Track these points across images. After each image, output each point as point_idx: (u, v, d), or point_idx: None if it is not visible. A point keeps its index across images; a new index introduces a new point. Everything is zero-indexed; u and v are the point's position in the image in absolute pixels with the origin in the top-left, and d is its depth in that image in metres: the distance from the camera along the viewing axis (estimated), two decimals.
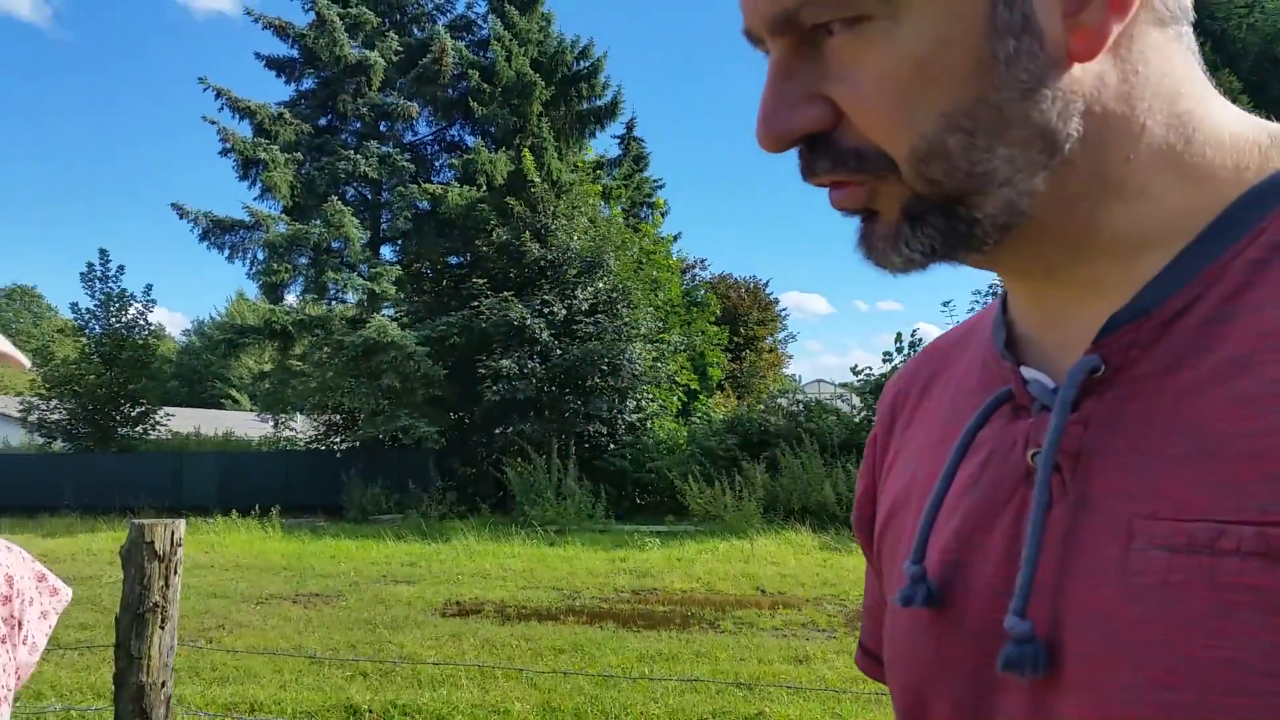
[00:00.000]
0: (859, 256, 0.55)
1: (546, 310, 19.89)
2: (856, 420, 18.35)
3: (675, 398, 22.16)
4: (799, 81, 0.52)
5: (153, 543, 2.69)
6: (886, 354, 18.86)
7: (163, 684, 2.66)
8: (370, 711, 5.30)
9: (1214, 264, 0.49)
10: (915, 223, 0.52)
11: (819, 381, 26.45)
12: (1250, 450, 0.44)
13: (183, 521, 2.84)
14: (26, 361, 0.73)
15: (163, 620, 2.69)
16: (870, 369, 19.04)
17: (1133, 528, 0.47)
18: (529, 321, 19.50)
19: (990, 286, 18.19)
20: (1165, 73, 0.50)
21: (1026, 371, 0.57)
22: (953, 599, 0.57)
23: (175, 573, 2.75)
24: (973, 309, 21.13)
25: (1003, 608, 0.51)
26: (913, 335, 18.60)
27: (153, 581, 2.68)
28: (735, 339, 30.45)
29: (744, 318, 33.20)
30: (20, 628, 0.94)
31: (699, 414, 22.37)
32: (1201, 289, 0.49)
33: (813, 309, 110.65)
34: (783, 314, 36.78)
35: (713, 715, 5.28)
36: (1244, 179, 0.51)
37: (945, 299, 26.96)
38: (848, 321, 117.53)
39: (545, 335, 19.59)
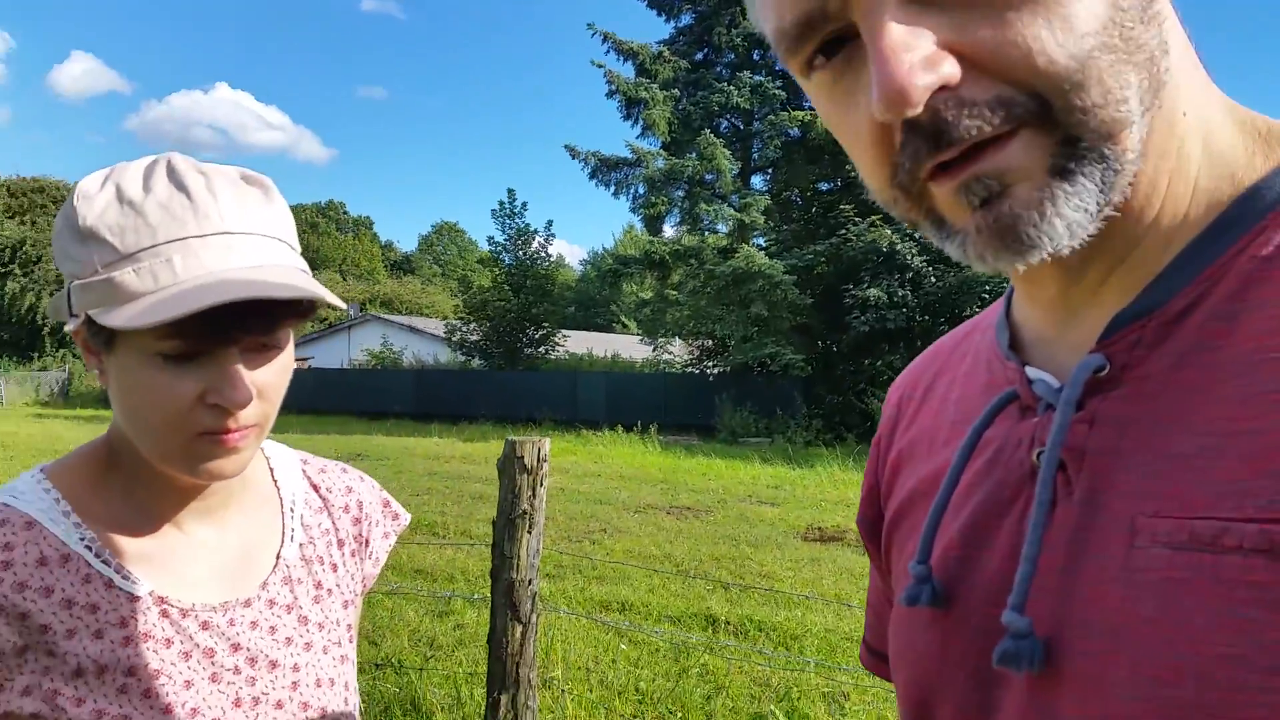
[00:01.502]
0: (983, 254, 0.48)
1: (919, 234, 19.03)
2: None
3: None
4: (924, 35, 0.45)
5: (522, 457, 2.97)
6: None
7: (529, 581, 2.96)
8: (728, 623, 5.52)
9: (1217, 262, 0.48)
10: (1070, 179, 0.46)
11: None
12: (1254, 448, 0.43)
13: (548, 440, 3.10)
14: (340, 303, 0.83)
15: (530, 526, 2.97)
16: None
17: (1136, 525, 0.47)
18: (899, 246, 18.84)
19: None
20: (1187, 49, 0.50)
21: (1031, 372, 0.57)
22: (958, 597, 0.57)
23: (541, 484, 3.02)
24: None
25: (1006, 605, 0.51)
26: None
27: (522, 491, 2.96)
28: None
29: None
30: (367, 544, 1.11)
31: None
32: (1206, 286, 0.48)
33: None
34: None
35: None
36: (1245, 173, 0.50)
37: None
38: None
39: (917, 261, 18.85)
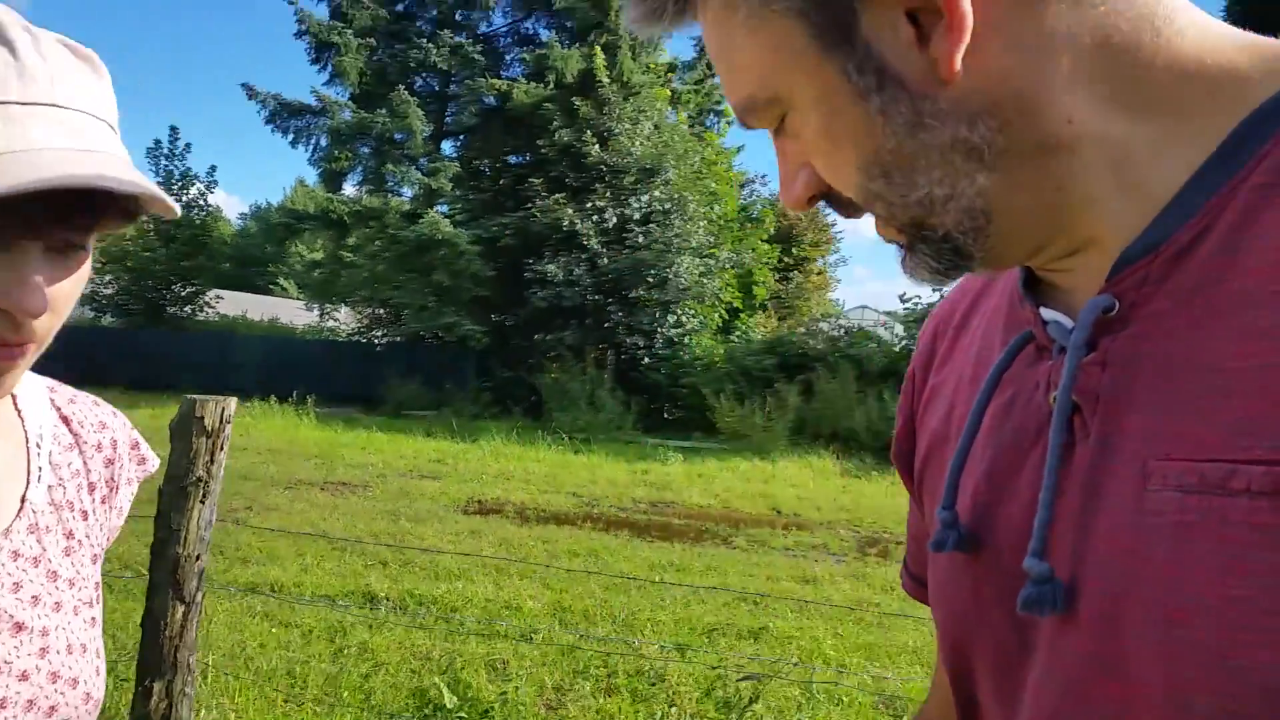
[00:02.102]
0: (912, 277, 0.61)
1: (598, 216, 19.68)
2: (897, 349, 18.07)
3: (718, 314, 21.96)
4: (790, 159, 0.60)
5: (203, 418, 2.70)
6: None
7: (197, 556, 2.81)
8: (388, 599, 5.51)
9: (1219, 193, 0.49)
10: (912, 248, 0.58)
11: (863, 308, 26.04)
12: (1261, 385, 0.44)
13: (234, 400, 2.85)
14: (177, 209, 0.74)
15: (204, 495, 2.77)
16: (919, 297, 18.60)
17: (1148, 469, 0.48)
18: (580, 226, 19.31)
19: None
20: (1083, 29, 0.51)
21: (1046, 313, 0.58)
22: (986, 541, 0.58)
23: (221, 449, 2.79)
24: None
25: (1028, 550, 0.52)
26: None
27: (199, 456, 2.70)
28: (786, 259, 29.94)
29: (799, 239, 32.61)
30: (116, 491, 0.97)
31: (739, 332, 22.11)
32: (1209, 220, 0.49)
33: (865, 233, 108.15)
34: (838, 236, 36.05)
35: (718, 626, 5.40)
36: (1240, 102, 0.50)
37: None
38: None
39: (595, 242, 19.43)
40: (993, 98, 0.52)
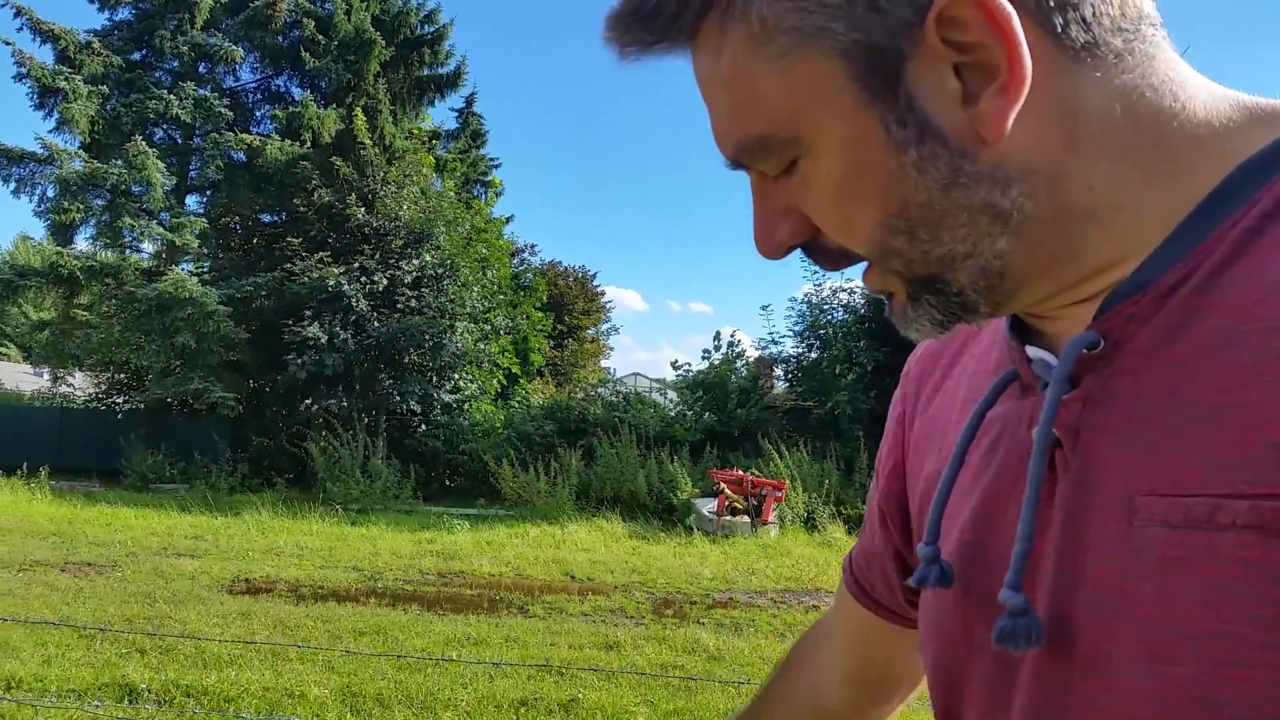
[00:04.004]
0: (901, 330, 0.59)
1: (366, 279, 18.96)
2: (672, 414, 18.72)
3: (495, 380, 21.84)
4: (774, 203, 0.57)
5: None
6: (705, 352, 19.40)
7: None
8: (150, 691, 4.88)
9: (1210, 236, 0.49)
10: (915, 300, 0.56)
11: (635, 375, 26.74)
12: (1241, 421, 0.44)
13: None
14: None
15: None
16: (689, 365, 19.48)
17: (1133, 504, 0.47)
18: (345, 288, 18.49)
19: (805, 295, 18.93)
20: (1115, 96, 0.51)
21: (1031, 351, 0.58)
22: (975, 580, 0.58)
23: None
24: (789, 315, 21.95)
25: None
26: (732, 335, 19.16)
27: None
28: (559, 327, 30.41)
29: (570, 307, 33.18)
30: None
31: (518, 398, 22.11)
32: (1197, 260, 0.49)
33: (628, 305, 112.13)
34: (608, 305, 36.99)
35: (524, 701, 5.15)
36: (1233, 156, 0.51)
37: (763, 303, 27.75)
38: (660, 320, 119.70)
39: (363, 305, 18.67)
40: (1028, 164, 0.51)
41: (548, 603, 8.16)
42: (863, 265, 0.58)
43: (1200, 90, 0.53)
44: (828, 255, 0.58)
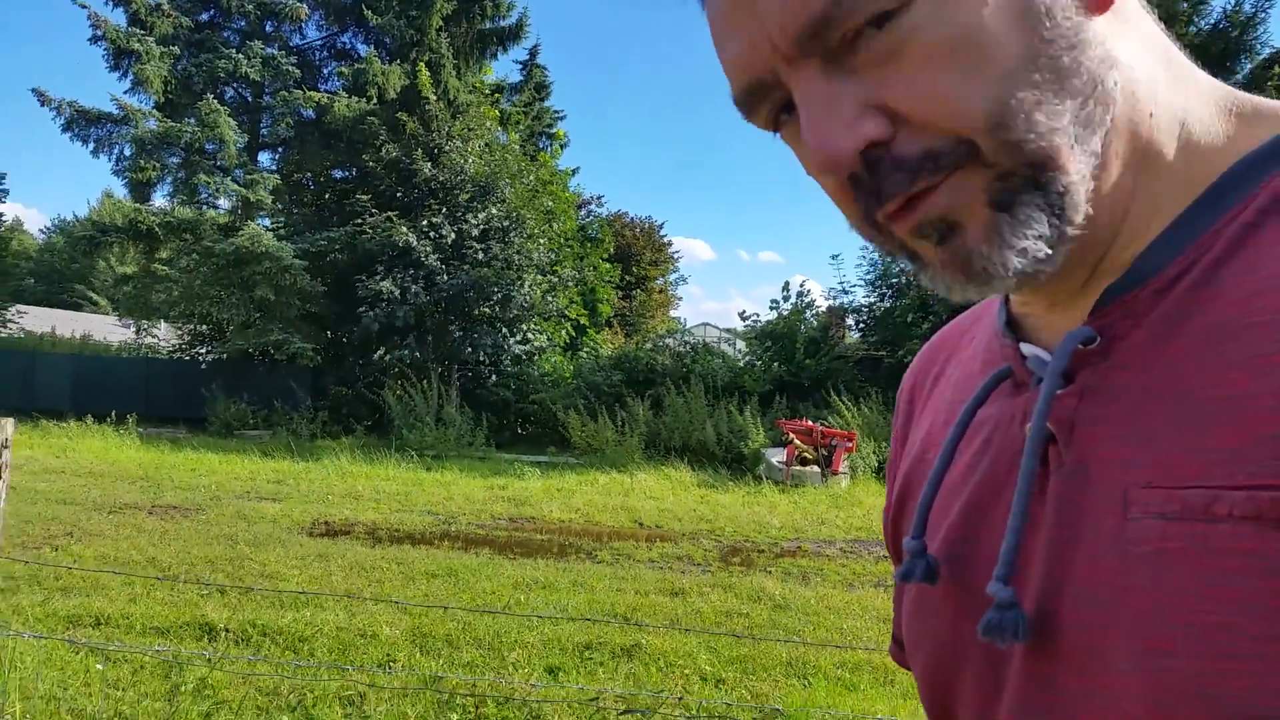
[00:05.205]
0: (951, 286, 0.51)
1: (435, 234, 19.14)
2: (740, 364, 18.62)
3: (564, 331, 21.92)
4: (844, 100, 0.48)
5: None
6: (773, 302, 19.17)
7: None
8: (227, 630, 5.00)
9: (1208, 231, 0.48)
10: (1011, 210, 0.48)
11: (705, 325, 26.63)
12: (1238, 414, 0.44)
13: (11, 420, 2.53)
14: None
15: None
16: (757, 315, 19.31)
17: (1129, 497, 0.47)
18: (415, 245, 18.73)
19: None
20: (1153, 35, 0.50)
21: (1026, 348, 0.57)
22: (965, 577, 0.57)
23: (2, 473, 2.43)
24: (859, 264, 21.53)
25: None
26: (801, 285, 18.86)
27: None
28: (627, 277, 30.40)
29: (637, 257, 33.11)
30: None
31: (586, 349, 22.23)
32: (1196, 255, 0.48)
33: (696, 254, 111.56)
34: (675, 256, 36.79)
35: (588, 644, 5.19)
36: (1232, 147, 0.50)
37: (833, 252, 27.33)
38: (730, 269, 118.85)
39: (433, 259, 18.90)
40: (1114, 54, 0.48)
41: (615, 549, 8.20)
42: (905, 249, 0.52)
43: (1201, 80, 0.52)
44: (905, 165, 0.48)
